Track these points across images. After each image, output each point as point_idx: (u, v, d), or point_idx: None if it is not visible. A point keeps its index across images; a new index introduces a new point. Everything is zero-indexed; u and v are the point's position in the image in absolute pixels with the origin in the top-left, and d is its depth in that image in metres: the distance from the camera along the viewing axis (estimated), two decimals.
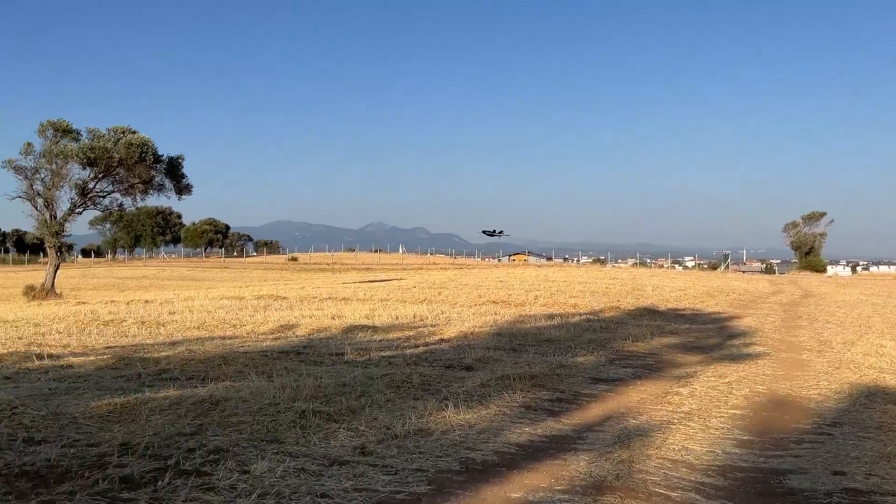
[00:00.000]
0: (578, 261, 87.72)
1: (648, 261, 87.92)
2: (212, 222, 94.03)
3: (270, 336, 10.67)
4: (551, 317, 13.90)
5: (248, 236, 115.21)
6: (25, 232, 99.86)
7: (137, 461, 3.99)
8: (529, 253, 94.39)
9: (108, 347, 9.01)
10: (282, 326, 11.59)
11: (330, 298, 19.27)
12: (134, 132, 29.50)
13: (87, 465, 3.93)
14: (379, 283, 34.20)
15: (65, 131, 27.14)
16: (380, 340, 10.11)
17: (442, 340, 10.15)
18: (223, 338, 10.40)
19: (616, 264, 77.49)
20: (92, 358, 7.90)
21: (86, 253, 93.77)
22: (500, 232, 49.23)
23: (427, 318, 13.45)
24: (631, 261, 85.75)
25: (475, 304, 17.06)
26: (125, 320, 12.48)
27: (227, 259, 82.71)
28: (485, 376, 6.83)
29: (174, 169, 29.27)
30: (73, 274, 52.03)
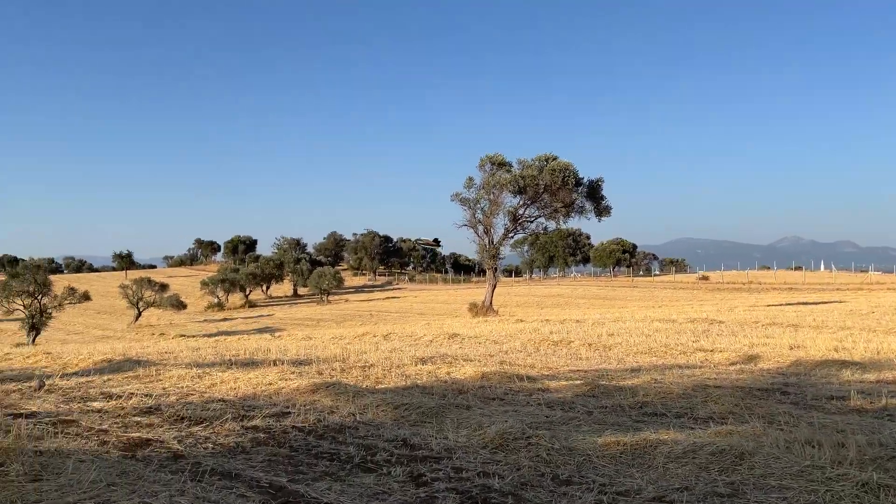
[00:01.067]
0: None
1: None
2: (619, 242, 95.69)
3: (732, 368, 9.60)
4: None
5: (654, 255, 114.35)
6: (459, 255, 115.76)
7: None
8: None
9: (572, 371, 9.04)
10: (741, 357, 10.41)
11: (773, 324, 17.21)
12: (555, 158, 31.33)
13: None
14: (814, 305, 30.07)
15: (500, 164, 30.15)
16: (876, 381, 8.24)
17: None
18: (679, 366, 9.70)
19: None
20: (564, 382, 7.90)
21: (507, 272, 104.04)
22: (436, 241, 42.33)
23: None
24: None
25: None
26: (572, 342, 12.70)
27: (635, 278, 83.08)
28: None
29: (594, 191, 30.14)
30: (498, 291, 57.62)
